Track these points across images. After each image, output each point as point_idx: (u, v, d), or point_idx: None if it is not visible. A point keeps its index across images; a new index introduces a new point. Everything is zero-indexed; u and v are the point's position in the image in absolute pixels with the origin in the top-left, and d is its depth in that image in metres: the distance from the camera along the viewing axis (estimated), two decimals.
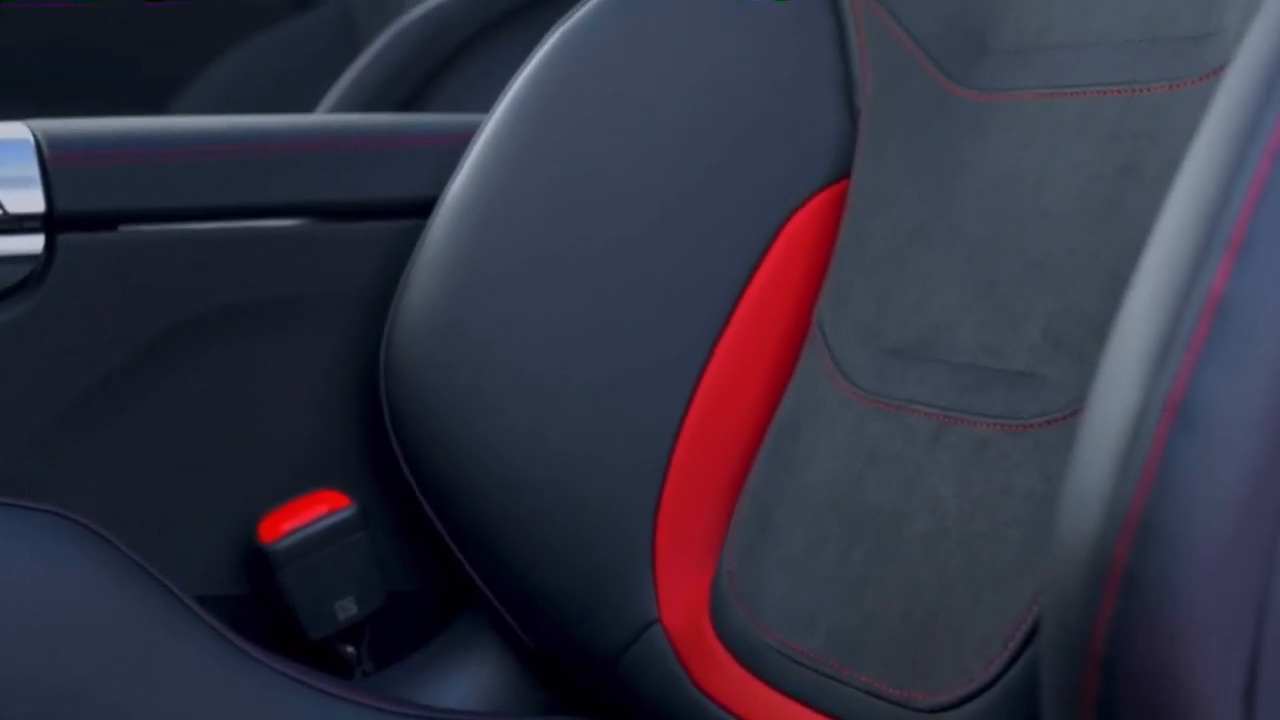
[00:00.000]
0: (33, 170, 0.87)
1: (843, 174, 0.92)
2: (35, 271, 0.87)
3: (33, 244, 0.87)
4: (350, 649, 0.93)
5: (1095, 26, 0.81)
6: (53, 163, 0.88)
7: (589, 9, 0.94)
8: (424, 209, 0.94)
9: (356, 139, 0.96)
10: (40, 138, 0.88)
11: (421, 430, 0.90)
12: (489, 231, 0.90)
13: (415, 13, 1.33)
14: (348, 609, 0.91)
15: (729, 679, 0.83)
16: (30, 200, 0.87)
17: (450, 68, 1.32)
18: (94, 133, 0.91)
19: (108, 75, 1.83)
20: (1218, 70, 0.73)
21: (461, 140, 0.96)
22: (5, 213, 0.87)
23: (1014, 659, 0.69)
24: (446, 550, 0.92)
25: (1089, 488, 0.45)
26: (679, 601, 0.88)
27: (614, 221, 0.90)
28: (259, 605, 0.92)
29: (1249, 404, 0.44)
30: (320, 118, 0.98)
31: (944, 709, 0.71)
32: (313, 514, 0.90)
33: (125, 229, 0.89)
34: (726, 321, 0.90)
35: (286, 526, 0.90)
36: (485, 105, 1.32)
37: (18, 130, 0.89)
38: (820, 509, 0.82)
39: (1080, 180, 0.77)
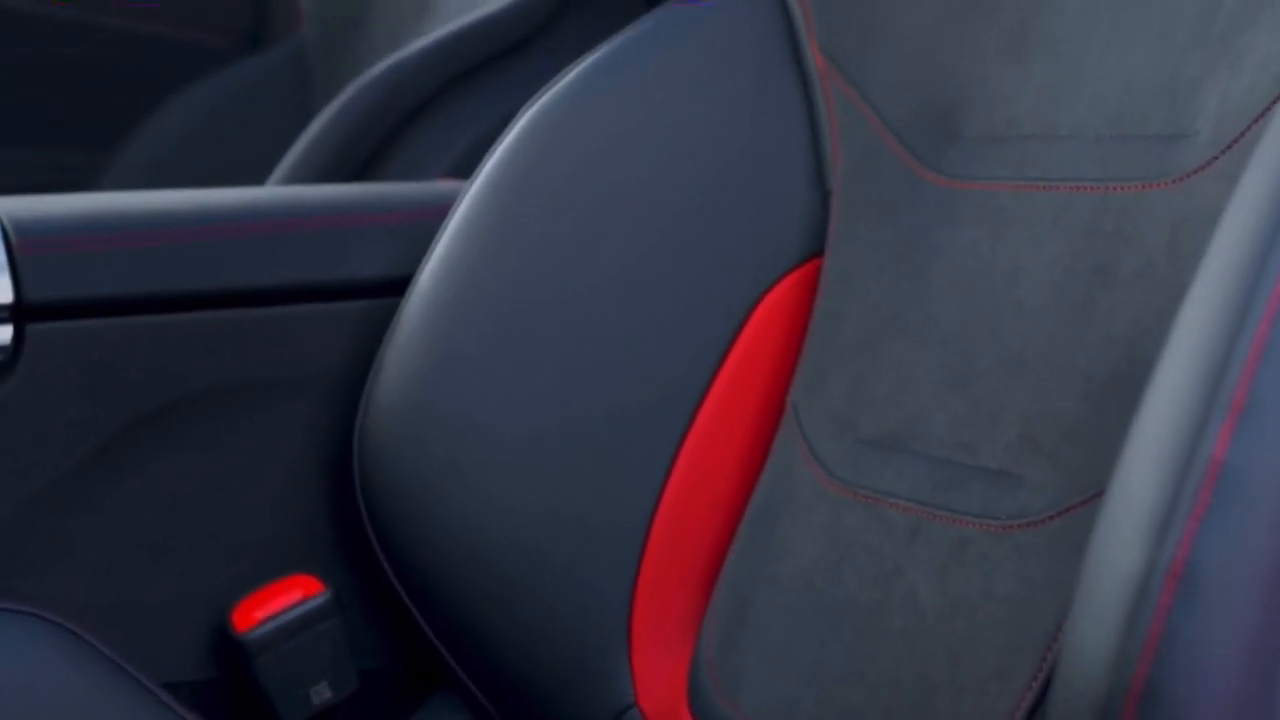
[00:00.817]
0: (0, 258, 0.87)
1: (814, 252, 0.93)
2: (3, 362, 0.87)
3: (1, 334, 0.87)
4: None
5: (1066, 119, 0.82)
6: (20, 250, 0.87)
7: (559, 87, 0.95)
8: (395, 287, 0.94)
9: (325, 218, 0.96)
10: (7, 223, 0.88)
11: (395, 513, 0.90)
12: (462, 315, 0.90)
13: (377, 69, 1.33)
14: (322, 693, 0.91)
15: None
16: None
17: (413, 123, 1.32)
18: (62, 216, 0.90)
19: (54, 119, 1.81)
20: (1190, 174, 0.75)
21: (431, 215, 0.97)
22: None
23: None
24: (420, 630, 0.92)
25: (1093, 650, 0.46)
26: (656, 685, 0.88)
27: (586, 303, 0.91)
28: (232, 690, 0.92)
29: (1249, 571, 0.45)
30: (287, 193, 0.97)
31: None
32: (287, 601, 0.90)
33: (95, 318, 0.88)
34: (700, 403, 0.90)
35: (260, 615, 0.90)
36: (449, 163, 1.32)
37: None
38: (798, 599, 0.82)
39: (1054, 276, 0.79)
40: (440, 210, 0.97)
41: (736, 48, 0.95)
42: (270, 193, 0.98)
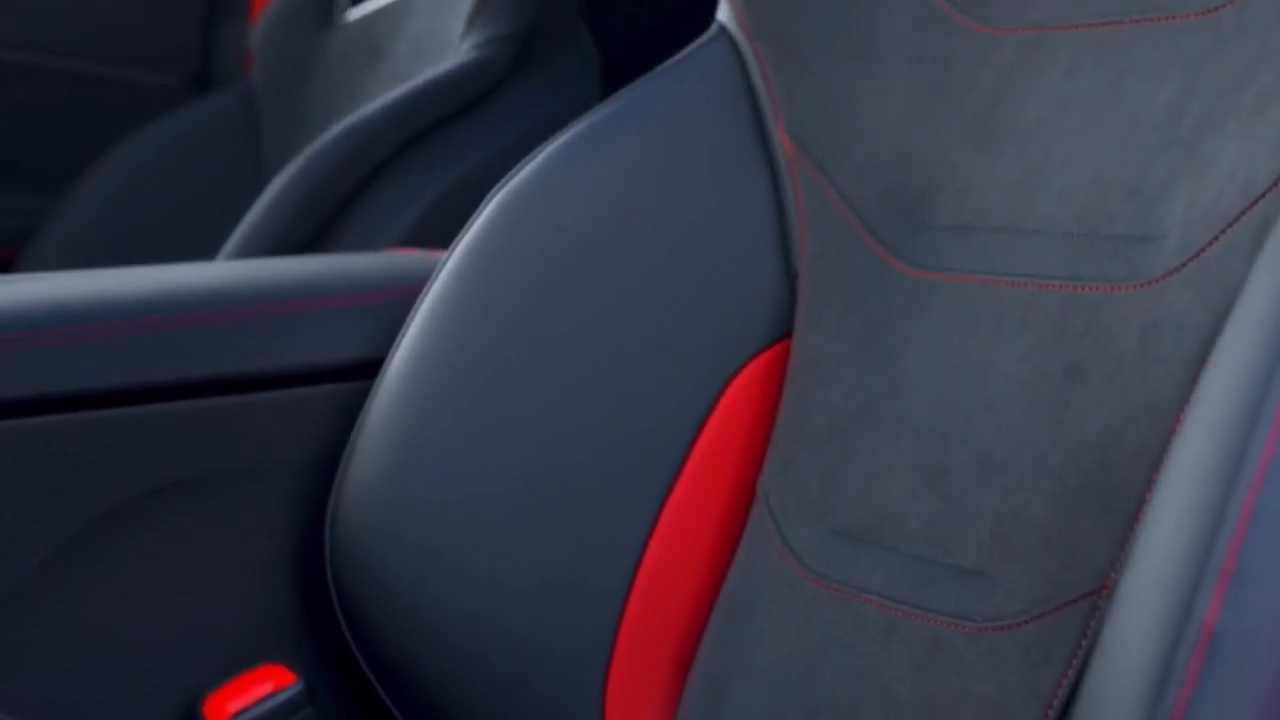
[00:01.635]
0: None
1: (782, 334, 0.94)
2: None
3: None
4: None
5: (1034, 212, 0.84)
6: None
7: (525, 171, 0.95)
8: (363, 371, 0.94)
9: (289, 302, 0.96)
10: None
11: (368, 602, 0.90)
12: (432, 404, 0.90)
13: (332, 133, 1.33)
14: None
15: None
16: None
17: (369, 187, 1.32)
18: (14, 310, 0.88)
19: (4, 160, 1.80)
20: (1159, 279, 0.76)
21: (399, 296, 0.97)
22: None
23: None
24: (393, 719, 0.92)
25: None
26: None
27: (556, 390, 0.91)
28: None
29: None
30: (249, 275, 0.96)
31: None
32: (259, 693, 0.90)
33: (53, 415, 0.87)
34: (671, 487, 0.91)
35: (233, 708, 0.90)
36: (406, 226, 1.33)
37: None
38: (776, 692, 0.83)
39: (1024, 375, 0.80)
40: (407, 292, 0.97)
41: (702, 130, 0.96)
42: (232, 274, 0.97)
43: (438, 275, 0.94)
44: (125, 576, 0.90)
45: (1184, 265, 0.76)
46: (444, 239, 1.32)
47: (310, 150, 1.31)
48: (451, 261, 0.94)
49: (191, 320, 0.92)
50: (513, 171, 0.96)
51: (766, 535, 0.88)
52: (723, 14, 1.00)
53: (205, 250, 1.65)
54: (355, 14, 1.72)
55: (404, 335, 0.92)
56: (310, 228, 1.30)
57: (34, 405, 0.87)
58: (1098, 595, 0.73)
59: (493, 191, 0.96)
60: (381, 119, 1.33)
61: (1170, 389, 0.74)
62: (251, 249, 1.28)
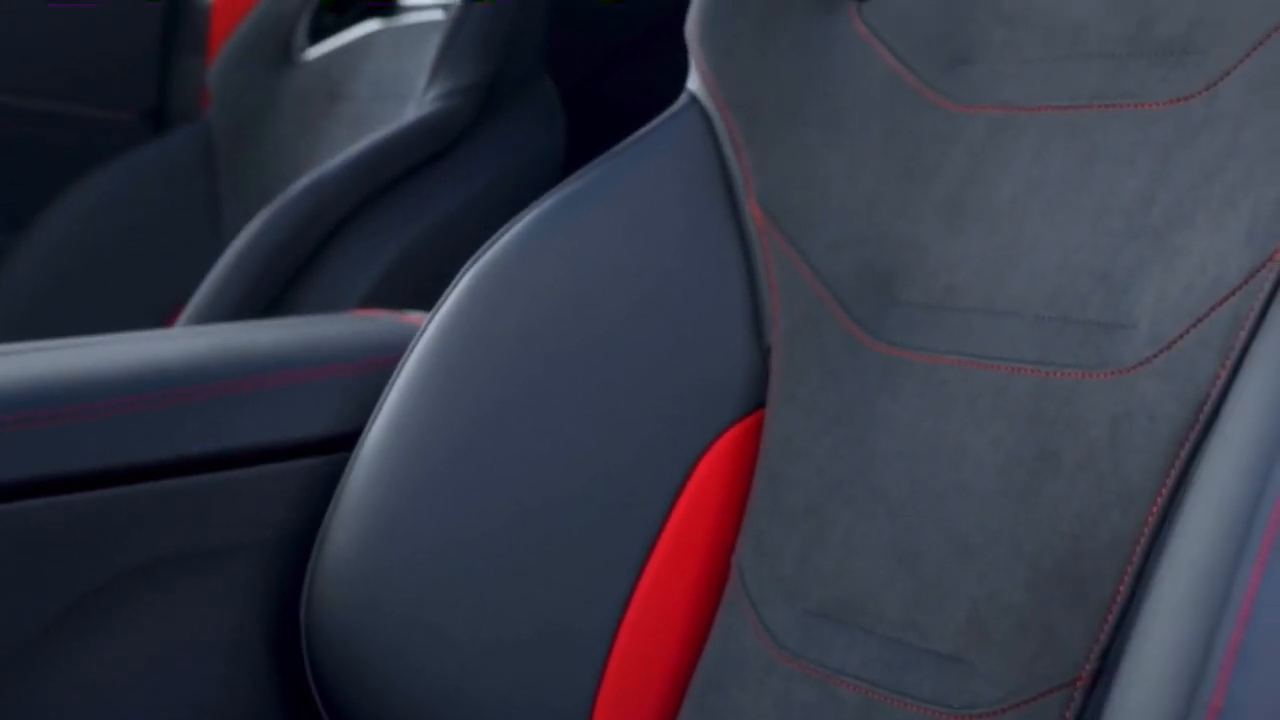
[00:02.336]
0: None
1: (754, 406, 0.95)
2: None
3: None
4: None
5: (1005, 294, 0.85)
6: None
7: (499, 245, 0.96)
8: (337, 444, 0.95)
9: (261, 377, 0.96)
10: None
11: (345, 686, 0.91)
12: (406, 484, 0.91)
13: (296, 189, 1.33)
14: None
15: None
16: None
17: (332, 243, 1.33)
18: None
19: None
20: (1129, 369, 0.78)
21: (372, 368, 0.98)
22: None
23: None
24: None
25: None
26: None
27: (530, 467, 0.92)
28: None
29: None
30: (221, 349, 0.96)
31: None
32: None
33: (26, 500, 0.87)
34: (645, 563, 0.92)
35: None
36: (370, 283, 1.33)
37: None
38: None
39: (998, 459, 0.81)
40: (379, 363, 0.98)
41: (674, 203, 0.97)
42: (204, 347, 0.97)
43: (413, 350, 0.94)
44: (102, 657, 0.90)
45: (1155, 356, 0.77)
46: (407, 297, 1.34)
47: (273, 206, 1.32)
48: (426, 336, 0.94)
49: (165, 399, 0.92)
50: (487, 245, 0.97)
51: (742, 612, 0.89)
52: (693, 83, 1.02)
53: (163, 292, 1.65)
54: (313, 53, 1.73)
55: (379, 411, 0.93)
56: (273, 287, 1.30)
57: (9, 491, 0.87)
58: (1072, 687, 0.74)
59: (467, 265, 0.97)
60: (345, 173, 1.33)
61: (1143, 480, 0.75)
62: (215, 309, 1.29)
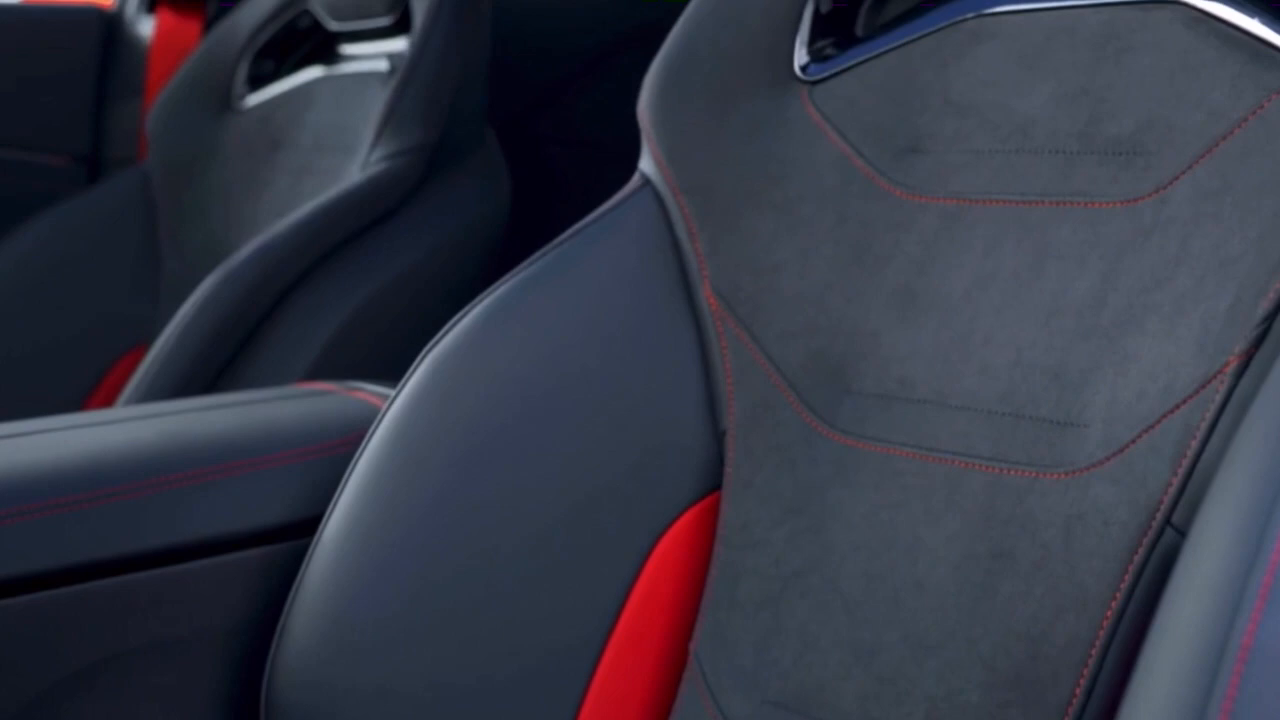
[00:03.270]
0: None
1: (710, 489, 0.96)
2: None
3: None
4: None
5: (958, 388, 0.87)
6: None
7: (455, 331, 0.97)
8: (292, 531, 0.96)
9: (216, 467, 0.96)
10: None
11: None
12: (364, 576, 0.92)
13: (244, 254, 1.33)
14: None
15: None
16: None
17: (281, 308, 1.33)
18: None
19: None
20: (1082, 470, 0.80)
21: (326, 452, 0.98)
22: None
23: None
24: None
25: None
26: None
27: (489, 557, 0.93)
28: None
29: None
30: (170, 435, 0.96)
31: None
32: None
33: None
34: (601, 653, 0.93)
35: None
36: (317, 350, 1.34)
37: None
38: None
39: (954, 556, 0.83)
40: (335, 446, 0.99)
41: (629, 287, 0.98)
42: (153, 436, 0.97)
43: (371, 436, 0.95)
44: None
45: (1108, 459, 0.79)
46: (354, 365, 1.34)
47: (218, 275, 1.32)
48: (385, 423, 0.95)
49: (117, 495, 0.92)
50: (444, 330, 0.98)
51: (700, 702, 0.91)
52: (646, 164, 1.03)
53: (100, 345, 1.64)
54: (254, 100, 1.73)
55: (339, 499, 0.94)
56: (219, 359, 1.30)
57: None
58: None
59: (425, 350, 0.97)
60: (292, 239, 1.33)
61: (1097, 586, 0.77)
62: (160, 383, 1.28)
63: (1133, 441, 0.78)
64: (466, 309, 0.98)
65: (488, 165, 1.49)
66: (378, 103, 1.51)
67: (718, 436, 0.96)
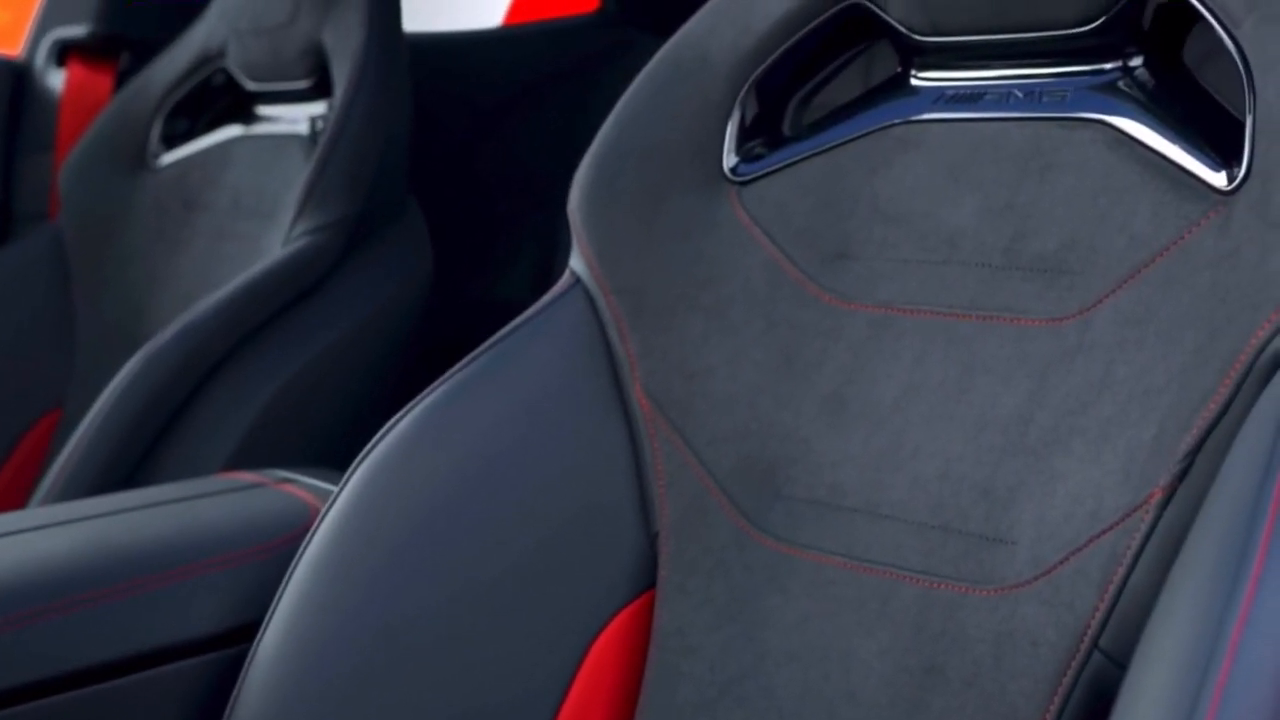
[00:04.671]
0: None
1: (644, 588, 0.98)
2: None
3: None
4: None
5: (888, 498, 0.89)
6: None
7: (391, 435, 0.99)
8: (229, 639, 0.96)
9: (145, 579, 0.96)
10: None
11: None
12: (307, 684, 0.93)
13: (170, 332, 1.34)
14: None
15: None
16: None
17: (204, 390, 1.33)
18: None
19: None
20: (1011, 587, 0.83)
21: (259, 556, 0.99)
22: None
23: None
24: None
25: None
26: None
27: (427, 663, 0.95)
28: None
29: None
30: (99, 545, 0.96)
31: None
32: None
33: None
34: None
35: None
36: (241, 433, 1.34)
37: None
38: None
39: (886, 669, 0.86)
40: (272, 548, 1.00)
41: (561, 389, 1.00)
42: (83, 547, 0.97)
43: (308, 544, 0.96)
44: None
45: (1036, 579, 0.82)
46: (279, 448, 1.34)
47: (143, 356, 1.32)
48: (321, 531, 0.97)
49: (41, 614, 0.92)
50: (379, 435, 0.99)
51: None
52: (576, 264, 1.04)
53: (12, 411, 1.63)
54: (168, 158, 1.72)
55: (274, 612, 0.95)
56: (144, 443, 1.30)
57: None
58: None
59: (361, 456, 0.99)
60: (216, 317, 1.34)
61: (1027, 706, 0.80)
62: (82, 473, 1.28)
63: (1060, 563, 0.81)
64: (401, 413, 0.99)
65: (410, 234, 1.50)
66: (298, 168, 1.52)
67: (651, 538, 0.98)
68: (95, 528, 1.00)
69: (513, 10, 2.47)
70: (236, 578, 0.99)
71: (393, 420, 0.99)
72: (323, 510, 0.97)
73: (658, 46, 2.05)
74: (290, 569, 0.96)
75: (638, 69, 2.03)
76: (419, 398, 1.00)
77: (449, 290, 1.65)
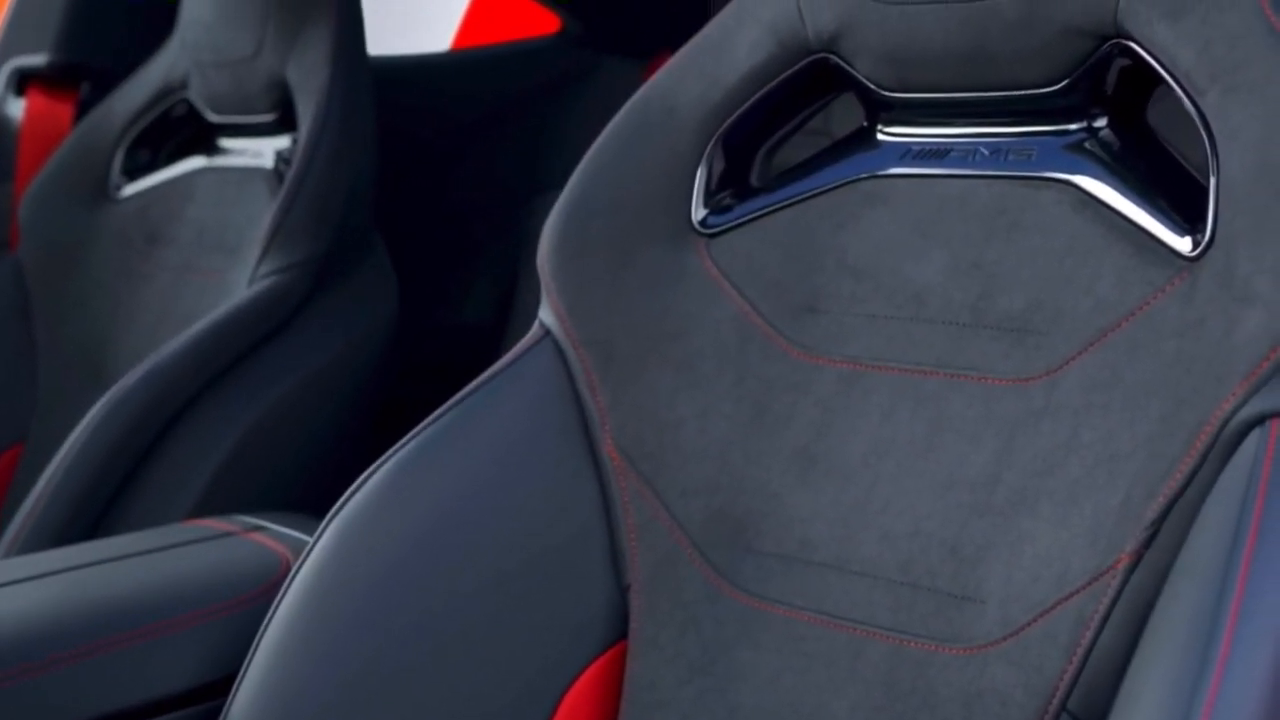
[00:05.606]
0: None
1: (616, 639, 0.99)
2: None
3: None
4: None
5: (858, 554, 0.91)
6: None
7: (361, 494, 0.99)
8: (200, 696, 0.97)
9: (114, 638, 0.96)
10: None
11: None
12: None
13: (134, 376, 1.34)
14: None
15: None
16: None
17: (170, 433, 1.33)
18: None
19: None
20: (980, 647, 0.84)
21: (232, 610, 1.00)
22: None
23: None
24: None
25: None
26: None
27: (402, 713, 0.95)
28: None
29: None
30: (68, 604, 0.96)
31: None
32: None
33: None
34: None
35: None
36: (207, 477, 1.34)
37: None
38: None
39: None
40: (242, 603, 1.00)
41: (531, 442, 1.01)
42: (56, 603, 0.97)
43: (280, 601, 0.97)
44: None
45: (1004, 639, 0.84)
46: (244, 491, 1.35)
47: (109, 400, 1.32)
48: (293, 588, 0.97)
49: (22, 673, 0.92)
50: (349, 492, 1.00)
51: None
52: (546, 315, 1.05)
53: None
54: (130, 189, 1.72)
55: (247, 669, 0.95)
56: (110, 487, 1.30)
57: None
58: None
59: (333, 511, 1.00)
60: (181, 360, 1.34)
61: None
62: (51, 515, 1.28)
63: (1028, 624, 0.83)
64: (371, 469, 1.00)
65: (375, 272, 1.50)
66: (262, 203, 1.53)
67: (622, 590, 0.99)
68: (66, 583, 1.00)
69: (461, 34, 2.48)
70: (209, 633, 1.00)
71: (363, 476, 1.00)
72: (294, 568, 0.98)
73: (622, 69, 2.07)
74: (263, 626, 0.96)
75: (602, 92, 2.05)
76: (389, 453, 1.01)
77: (412, 314, 1.65)
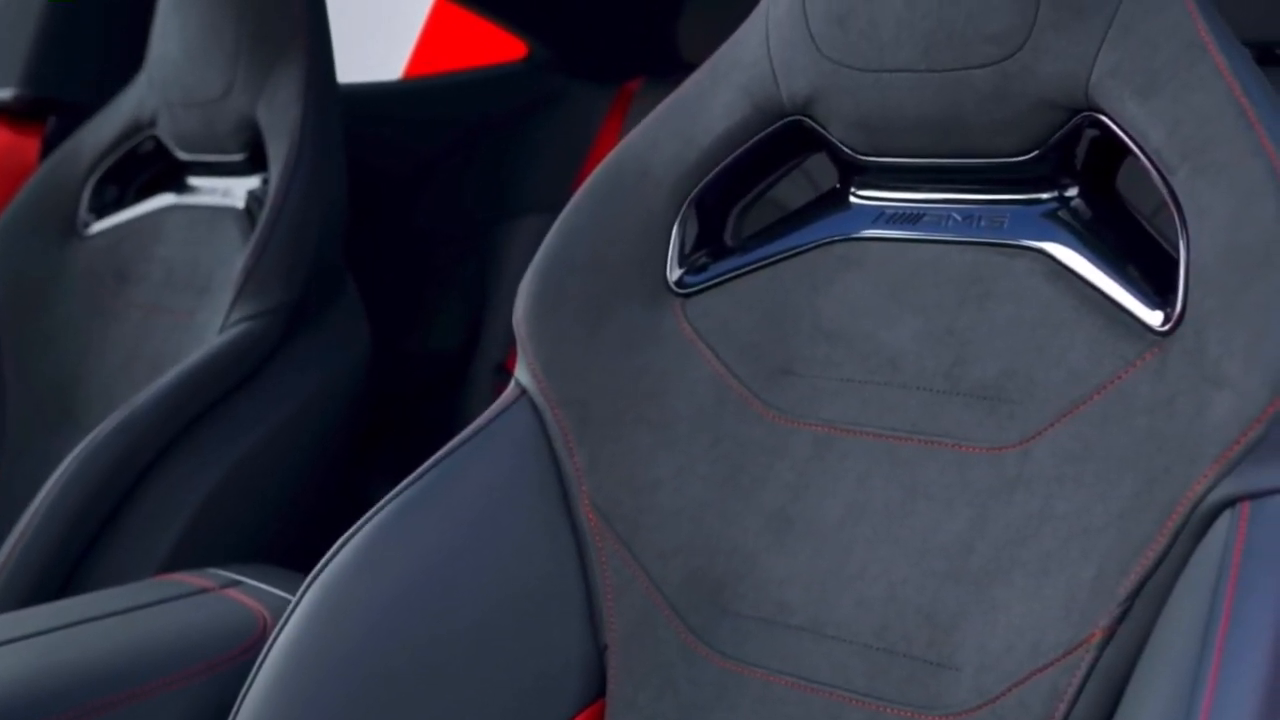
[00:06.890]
0: None
1: (594, 697, 1.00)
2: None
3: None
4: None
5: (833, 618, 0.92)
6: None
7: (339, 559, 1.00)
8: None
9: (89, 705, 0.96)
10: None
11: None
12: None
13: (107, 427, 1.34)
14: None
15: None
16: None
17: (146, 480, 1.34)
18: None
19: None
20: (957, 716, 0.86)
21: (207, 672, 1.01)
22: None
23: None
24: None
25: None
26: None
27: None
28: None
29: None
30: (45, 664, 0.96)
31: None
32: None
33: None
34: None
35: None
36: (185, 521, 1.35)
37: None
38: None
39: None
40: (218, 665, 1.01)
41: (508, 503, 1.02)
42: (32, 670, 0.98)
43: (260, 667, 0.98)
44: None
45: (979, 708, 0.85)
46: (219, 541, 1.35)
47: (82, 451, 1.32)
48: (272, 654, 0.98)
49: None
50: (330, 554, 1.00)
51: None
52: (522, 375, 1.06)
53: None
54: (99, 226, 1.72)
55: None
56: (83, 540, 1.30)
57: None
58: None
59: (312, 575, 1.00)
60: (154, 410, 1.34)
61: None
62: (23, 569, 1.28)
63: (1003, 694, 0.84)
64: (350, 533, 1.01)
65: (346, 313, 1.51)
66: (233, 243, 1.53)
67: (600, 649, 1.00)
68: (39, 649, 1.01)
69: (414, 61, 2.47)
70: (187, 698, 1.00)
71: (343, 538, 1.01)
72: (275, 631, 0.98)
73: (590, 94, 2.08)
74: (243, 692, 0.97)
75: (570, 117, 2.06)
76: (369, 514, 1.01)
77: (380, 342, 1.66)
